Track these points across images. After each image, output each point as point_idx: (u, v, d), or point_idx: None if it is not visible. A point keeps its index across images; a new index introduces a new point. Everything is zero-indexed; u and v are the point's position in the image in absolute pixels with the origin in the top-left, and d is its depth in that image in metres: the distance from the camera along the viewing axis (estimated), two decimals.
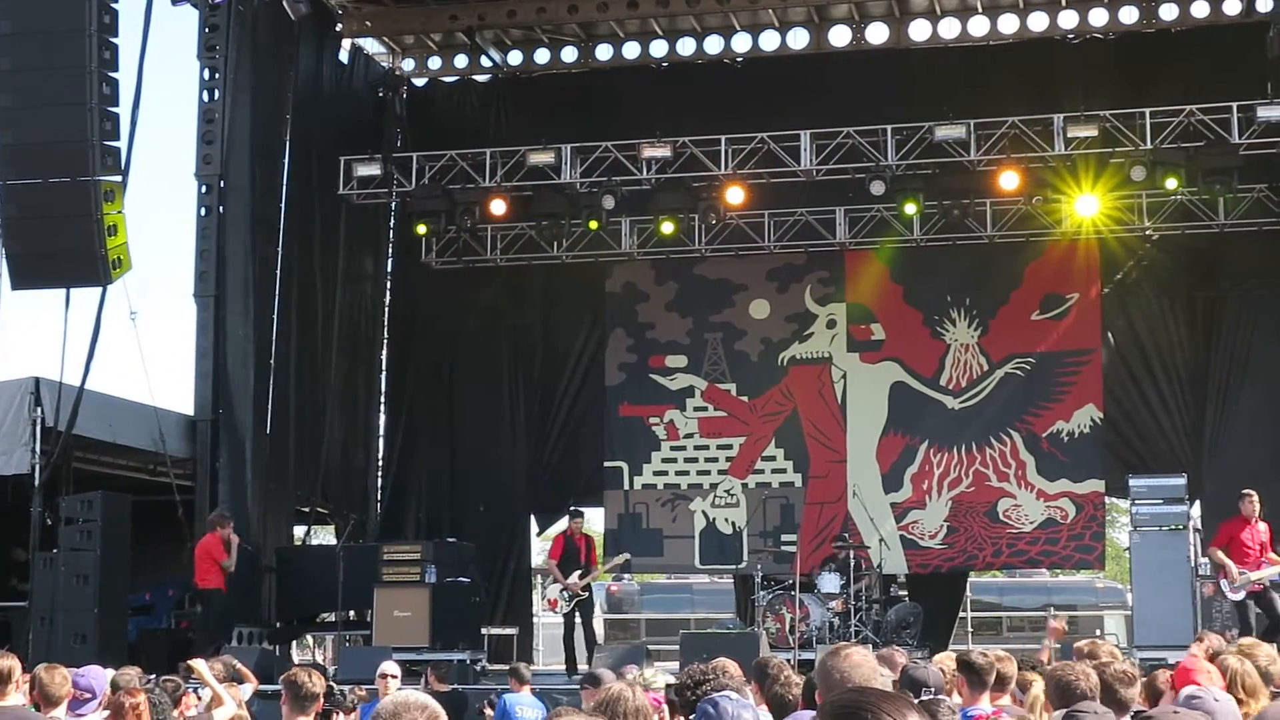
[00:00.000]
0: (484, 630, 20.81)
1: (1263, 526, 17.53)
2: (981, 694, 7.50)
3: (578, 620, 20.02)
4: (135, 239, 18.90)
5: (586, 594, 19.90)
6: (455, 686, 15.13)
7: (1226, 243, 22.15)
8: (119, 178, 18.51)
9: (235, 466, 20.43)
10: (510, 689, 13.71)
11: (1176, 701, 6.05)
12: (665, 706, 6.75)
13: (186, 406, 20.98)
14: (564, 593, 19.71)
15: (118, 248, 18.40)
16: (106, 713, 8.75)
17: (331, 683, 9.35)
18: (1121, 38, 22.81)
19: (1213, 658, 7.58)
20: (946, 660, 8.42)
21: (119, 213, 18.42)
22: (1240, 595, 17.47)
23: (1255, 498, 17.58)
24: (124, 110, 18.57)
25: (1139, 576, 19.62)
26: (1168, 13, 22.63)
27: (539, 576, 27.95)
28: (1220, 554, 17.69)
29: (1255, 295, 22.09)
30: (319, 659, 21.49)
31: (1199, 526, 20.57)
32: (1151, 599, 18.90)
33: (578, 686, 11.46)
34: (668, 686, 7.34)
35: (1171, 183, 20.13)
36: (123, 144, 18.57)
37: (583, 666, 18.71)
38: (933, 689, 7.23)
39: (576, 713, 3.67)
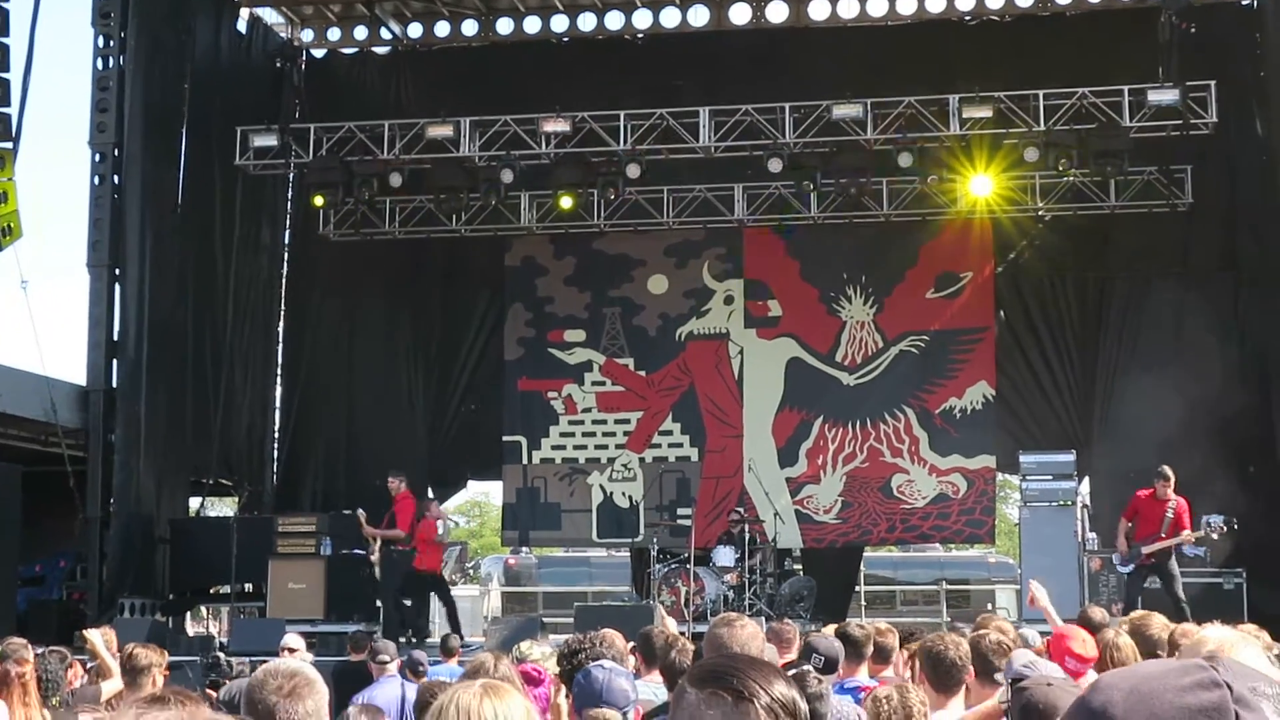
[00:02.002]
0: (379, 603, 20.79)
1: (1176, 502, 17.46)
2: (859, 665, 7.63)
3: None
4: (27, 207, 18.66)
5: (375, 554, 19.34)
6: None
7: (1117, 224, 22.48)
8: (10, 144, 18.32)
9: (130, 437, 20.26)
10: (439, 660, 13.77)
11: (1009, 669, 6.20)
12: (548, 676, 6.80)
13: (79, 377, 20.80)
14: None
15: (8, 215, 18.20)
16: None
17: (218, 654, 9.34)
18: (1017, 20, 23.08)
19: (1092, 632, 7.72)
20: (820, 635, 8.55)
21: (9, 180, 18.22)
22: (1129, 568, 17.59)
23: (1169, 474, 17.48)
24: (15, 77, 18.35)
25: (1028, 551, 19.99)
26: None
27: None
28: (1122, 525, 17.88)
29: (1144, 276, 22.48)
30: (213, 630, 21.37)
31: (1088, 503, 20.96)
32: (1040, 573, 19.13)
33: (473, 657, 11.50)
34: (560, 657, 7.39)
35: (1064, 164, 20.41)
36: (14, 110, 18.35)
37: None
38: (823, 657, 7.33)
39: (448, 684, 3.73)
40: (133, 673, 8.21)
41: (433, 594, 19.88)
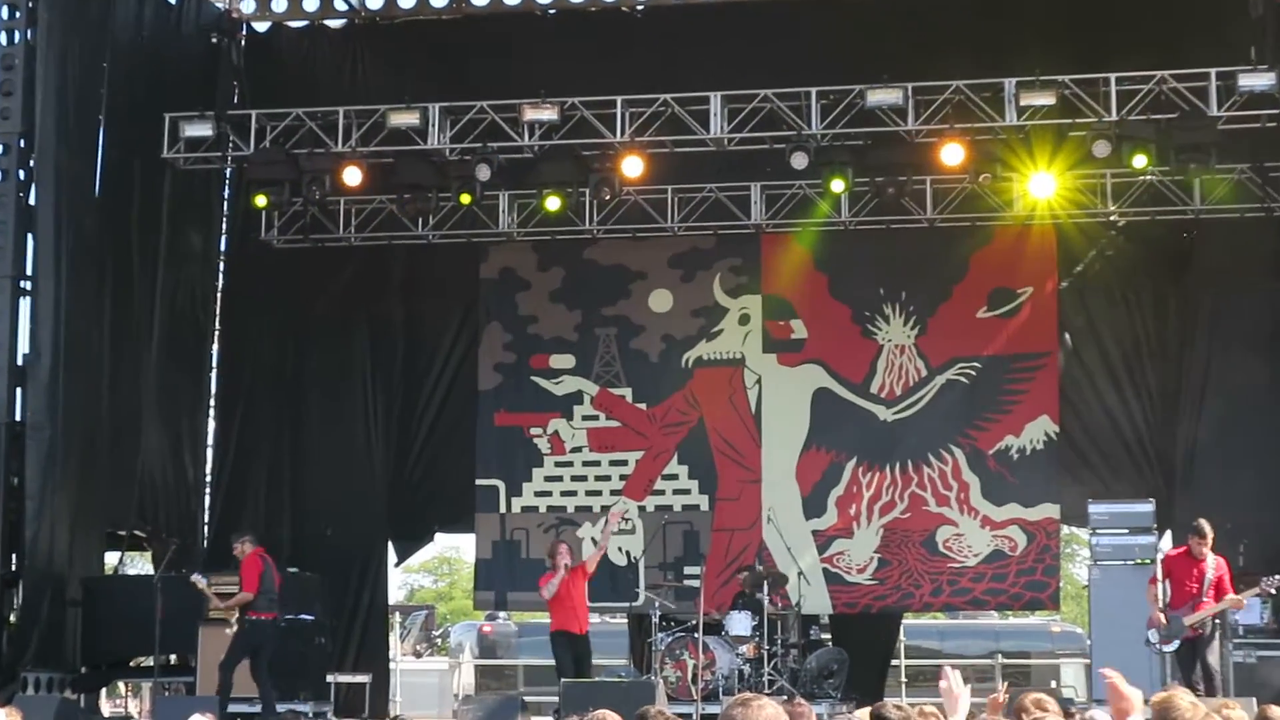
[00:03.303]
0: (330, 678, 20.77)
1: (1215, 561, 17.23)
2: None
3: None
4: None
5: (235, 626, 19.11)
6: None
7: (1202, 231, 22.52)
8: None
9: (37, 480, 20.17)
10: None
11: None
12: None
13: None
14: None
15: None
16: None
17: None
18: None
19: None
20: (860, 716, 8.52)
21: None
22: (1174, 646, 17.14)
23: (1207, 529, 17.19)
24: None
25: (1099, 618, 19.92)
26: None
27: (397, 615, 27.91)
28: (1151, 592, 17.46)
29: (1234, 292, 22.42)
30: (132, 711, 21.33)
31: None
32: (1113, 645, 19.09)
33: None
34: None
35: (1140, 160, 20.36)
36: None
37: None
38: None
39: None
40: None
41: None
